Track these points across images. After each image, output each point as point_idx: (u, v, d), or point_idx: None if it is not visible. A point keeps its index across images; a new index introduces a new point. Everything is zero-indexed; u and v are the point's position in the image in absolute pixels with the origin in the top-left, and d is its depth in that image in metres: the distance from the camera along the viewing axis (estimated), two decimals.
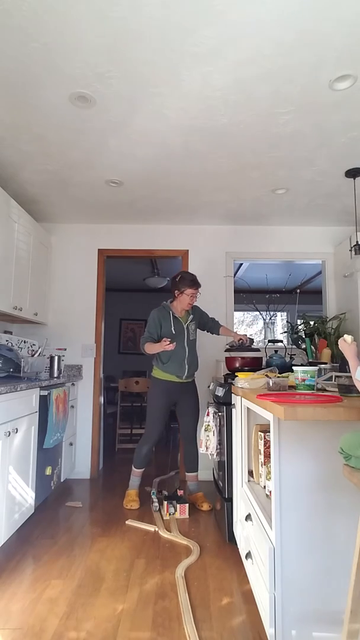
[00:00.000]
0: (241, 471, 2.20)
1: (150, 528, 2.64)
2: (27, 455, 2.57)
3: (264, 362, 3.21)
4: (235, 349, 3.05)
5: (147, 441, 3.12)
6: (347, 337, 1.48)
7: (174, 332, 3.04)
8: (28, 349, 3.61)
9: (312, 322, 3.72)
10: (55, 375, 3.33)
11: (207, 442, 2.67)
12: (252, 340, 3.14)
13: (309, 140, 2.49)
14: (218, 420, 2.61)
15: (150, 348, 2.98)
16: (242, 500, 2.10)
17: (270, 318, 7.52)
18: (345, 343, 1.47)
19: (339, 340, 1.50)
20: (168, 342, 2.82)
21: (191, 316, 3.16)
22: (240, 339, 3.09)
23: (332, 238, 4.02)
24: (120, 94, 2.08)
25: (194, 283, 3.00)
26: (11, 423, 2.28)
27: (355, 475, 1.14)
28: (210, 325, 3.29)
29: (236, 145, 2.56)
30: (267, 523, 1.57)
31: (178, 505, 2.84)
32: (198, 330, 3.26)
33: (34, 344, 3.63)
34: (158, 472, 4.00)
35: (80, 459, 3.81)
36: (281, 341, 3.47)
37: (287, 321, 7.19)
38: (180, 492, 3.07)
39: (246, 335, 3.14)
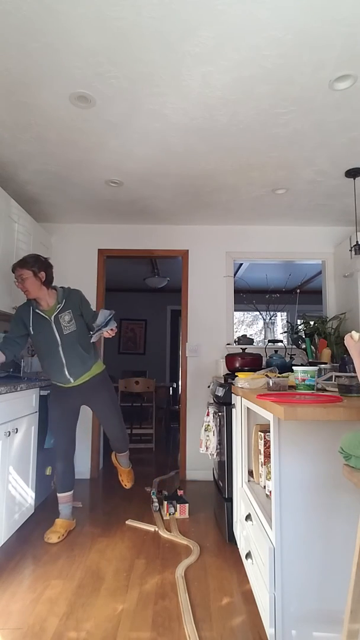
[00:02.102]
0: (241, 471, 2.20)
1: (150, 528, 2.64)
2: (27, 455, 2.57)
3: (264, 362, 3.21)
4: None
5: (58, 457, 2.64)
6: (355, 334, 1.40)
7: (32, 332, 2.49)
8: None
9: (312, 322, 3.72)
10: None
11: (207, 442, 2.67)
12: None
13: (309, 140, 2.49)
14: (218, 420, 2.61)
15: None
16: (242, 500, 2.10)
17: (270, 318, 7.51)
18: (352, 340, 1.40)
19: (345, 337, 1.46)
20: None
21: (59, 305, 2.50)
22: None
23: (332, 238, 4.02)
24: (120, 94, 2.08)
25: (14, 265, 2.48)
26: (11, 423, 2.28)
27: (355, 475, 1.14)
28: (89, 320, 2.60)
29: (236, 145, 2.56)
30: (267, 523, 1.57)
31: (178, 505, 2.84)
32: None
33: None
34: (158, 472, 4.00)
35: (80, 459, 3.81)
36: (281, 341, 3.47)
37: (287, 321, 7.18)
38: (180, 492, 3.06)
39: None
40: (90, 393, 2.63)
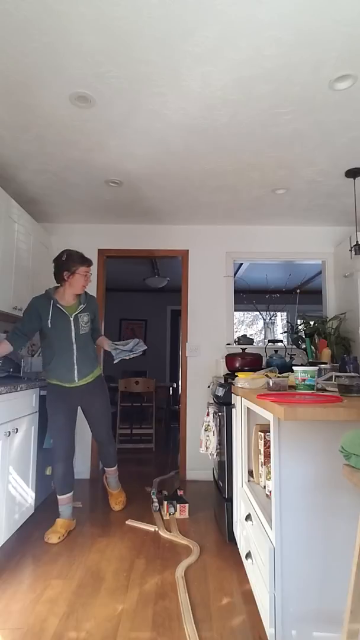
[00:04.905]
0: (241, 471, 2.20)
1: (150, 528, 2.64)
2: (27, 455, 2.57)
3: (264, 362, 3.22)
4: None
5: (57, 459, 2.61)
6: None
7: (49, 326, 2.54)
8: (28, 349, 3.61)
9: (312, 322, 3.72)
10: None
11: (207, 442, 2.67)
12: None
13: (309, 140, 2.49)
14: (218, 420, 2.61)
15: None
16: (242, 500, 2.10)
17: (270, 318, 7.52)
18: None
19: None
20: None
21: (82, 305, 2.63)
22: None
23: (332, 238, 4.02)
24: (120, 94, 2.08)
25: (85, 259, 2.60)
26: (11, 423, 2.28)
27: (355, 475, 1.14)
28: (95, 327, 2.81)
29: (236, 145, 2.56)
30: (267, 523, 1.57)
31: (178, 505, 2.84)
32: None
33: (34, 344, 3.63)
34: (158, 472, 4.00)
35: (80, 459, 3.81)
36: (281, 341, 3.47)
37: (287, 321, 7.19)
38: (180, 492, 3.07)
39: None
40: (89, 394, 2.71)
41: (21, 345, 2.56)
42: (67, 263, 2.58)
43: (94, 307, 2.76)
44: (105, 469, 3.01)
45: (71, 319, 2.59)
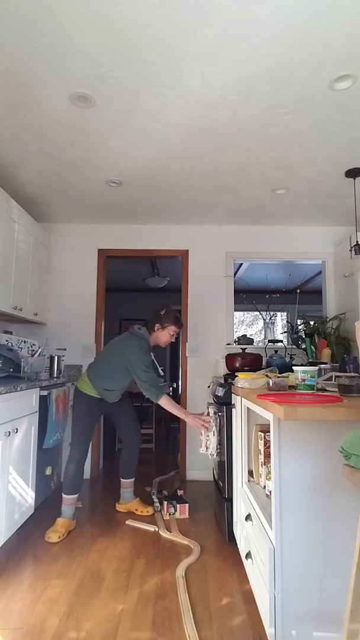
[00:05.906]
0: (241, 471, 2.20)
1: (151, 528, 2.64)
2: (27, 455, 2.57)
3: (264, 362, 3.22)
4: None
5: (72, 458, 2.65)
6: None
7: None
8: (28, 349, 3.61)
9: (312, 322, 3.72)
10: (55, 375, 3.33)
11: (207, 442, 2.66)
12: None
13: (309, 140, 2.49)
14: (218, 420, 2.61)
15: (176, 410, 2.61)
16: (242, 500, 2.10)
17: (270, 318, 7.52)
18: None
19: (356, 323, 1.43)
20: (207, 419, 2.53)
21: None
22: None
23: (332, 238, 4.02)
24: (120, 94, 2.08)
25: (178, 321, 2.84)
26: (11, 423, 2.28)
27: (355, 475, 1.14)
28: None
29: (236, 145, 2.56)
30: (267, 523, 1.57)
31: (178, 505, 2.84)
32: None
33: (34, 344, 3.63)
34: (158, 472, 4.00)
35: None
36: (281, 341, 3.47)
37: (287, 321, 7.19)
38: (180, 492, 3.06)
39: None
40: (115, 404, 2.87)
41: None
42: (163, 318, 2.83)
43: None
44: (123, 480, 2.96)
45: None
